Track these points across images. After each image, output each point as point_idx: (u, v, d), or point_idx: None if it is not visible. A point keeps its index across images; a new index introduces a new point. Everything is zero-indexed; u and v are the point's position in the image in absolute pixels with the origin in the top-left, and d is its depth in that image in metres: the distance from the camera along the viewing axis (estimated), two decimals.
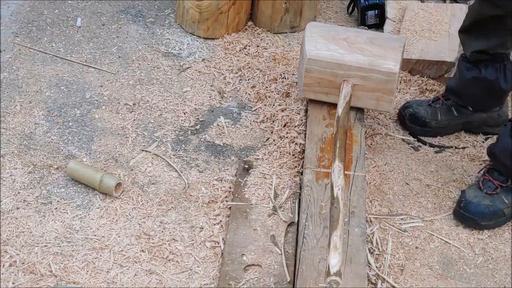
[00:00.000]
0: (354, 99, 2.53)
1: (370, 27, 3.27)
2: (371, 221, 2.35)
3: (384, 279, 2.17)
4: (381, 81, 2.50)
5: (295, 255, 2.16)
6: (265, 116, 2.74)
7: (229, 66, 2.98)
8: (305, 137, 2.58)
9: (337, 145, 2.26)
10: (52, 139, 2.56)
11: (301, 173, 2.47)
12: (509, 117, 2.73)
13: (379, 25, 3.26)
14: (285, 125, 2.69)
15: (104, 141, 2.57)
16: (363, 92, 2.53)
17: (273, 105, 2.79)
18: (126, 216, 2.30)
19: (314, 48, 2.55)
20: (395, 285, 2.16)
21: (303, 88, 2.62)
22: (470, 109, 2.68)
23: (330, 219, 2.04)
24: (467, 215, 2.36)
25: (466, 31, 2.57)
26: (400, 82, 2.95)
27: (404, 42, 2.61)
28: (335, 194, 2.07)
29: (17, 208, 2.29)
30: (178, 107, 2.76)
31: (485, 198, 2.37)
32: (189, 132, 2.66)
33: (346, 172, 2.38)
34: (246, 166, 2.50)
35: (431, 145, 2.70)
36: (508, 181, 2.39)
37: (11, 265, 2.11)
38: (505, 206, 2.37)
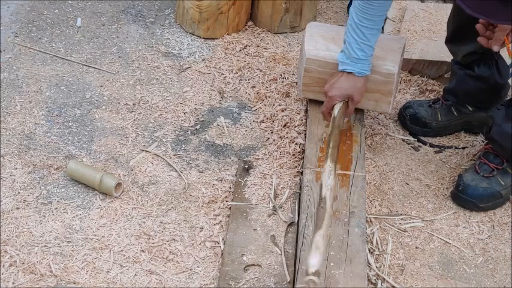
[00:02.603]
0: None
1: None
2: (371, 221, 2.35)
3: (384, 279, 2.17)
4: (379, 82, 2.49)
5: (295, 255, 2.16)
6: (265, 116, 2.74)
7: (229, 66, 2.98)
8: (305, 137, 2.58)
9: (331, 145, 2.27)
10: (52, 139, 2.56)
11: (301, 173, 2.47)
12: None
13: None
14: (285, 125, 2.69)
15: (104, 141, 2.57)
16: None
17: (273, 105, 2.79)
18: (126, 216, 2.30)
19: (313, 48, 2.55)
20: (396, 285, 2.16)
21: (302, 88, 2.62)
22: (470, 109, 2.69)
23: (316, 219, 2.05)
24: (465, 197, 2.42)
25: (451, 40, 2.61)
26: (400, 82, 2.95)
27: (405, 43, 2.61)
28: (323, 194, 2.08)
29: (17, 208, 2.29)
30: (178, 107, 2.76)
31: (483, 181, 2.42)
32: (189, 132, 2.66)
33: (346, 172, 2.38)
34: (246, 166, 2.51)
35: (431, 145, 2.70)
36: (503, 163, 2.44)
37: (11, 265, 2.11)
38: (502, 188, 2.43)
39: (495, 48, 2.23)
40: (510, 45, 2.24)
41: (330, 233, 2.14)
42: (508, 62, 2.51)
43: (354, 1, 2.30)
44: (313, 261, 1.93)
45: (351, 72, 2.39)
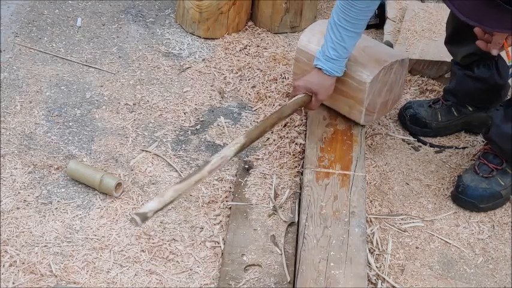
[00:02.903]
0: (331, 100, 2.54)
1: (370, 27, 3.27)
2: (371, 221, 2.35)
3: (384, 279, 2.17)
4: (353, 88, 2.47)
5: (295, 255, 2.16)
6: (266, 116, 2.74)
7: (230, 66, 2.98)
8: (305, 137, 2.58)
9: (258, 125, 2.28)
10: (52, 139, 2.56)
11: (301, 173, 2.47)
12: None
13: (379, 25, 3.26)
14: (285, 125, 2.69)
15: (104, 141, 2.57)
16: (338, 95, 2.52)
17: (273, 105, 2.79)
18: (126, 216, 2.30)
19: (306, 40, 2.57)
20: (396, 285, 2.16)
21: (293, 77, 2.65)
22: (470, 109, 2.68)
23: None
24: (465, 199, 2.42)
25: (450, 41, 2.61)
26: None
27: (400, 59, 2.52)
28: (211, 158, 2.08)
29: (17, 208, 2.29)
30: (179, 107, 2.76)
31: (482, 182, 2.42)
32: (189, 132, 2.66)
33: (346, 172, 2.39)
34: (246, 166, 2.51)
35: (431, 145, 2.70)
36: (502, 163, 2.44)
37: (11, 265, 2.11)
38: (502, 188, 2.43)
39: (494, 52, 2.22)
40: (509, 48, 2.24)
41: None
42: (508, 64, 2.51)
43: (337, 0, 2.29)
44: (150, 204, 1.92)
45: (321, 69, 2.39)
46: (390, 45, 3.04)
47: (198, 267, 2.16)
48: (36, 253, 2.15)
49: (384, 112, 2.64)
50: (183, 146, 2.60)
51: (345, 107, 2.56)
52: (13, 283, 2.06)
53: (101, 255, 2.16)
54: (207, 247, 2.23)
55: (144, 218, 1.88)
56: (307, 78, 2.42)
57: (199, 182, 2.06)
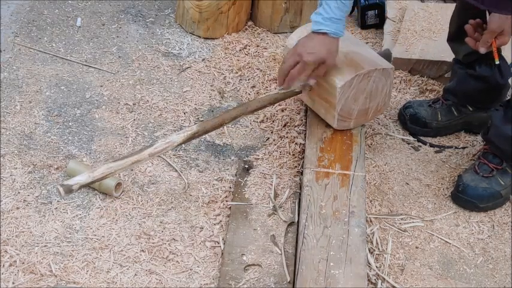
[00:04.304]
0: (310, 101, 2.55)
1: (370, 27, 3.27)
2: (371, 221, 2.35)
3: (384, 279, 2.17)
4: (327, 91, 2.46)
5: (295, 255, 2.16)
6: (265, 116, 2.74)
7: (229, 66, 2.98)
8: (305, 137, 2.58)
9: (219, 115, 2.28)
10: (52, 139, 2.56)
11: (301, 173, 2.47)
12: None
13: (379, 25, 3.26)
14: (285, 125, 2.69)
15: (104, 141, 2.57)
16: (317, 97, 2.52)
17: (273, 105, 2.78)
18: (126, 216, 2.30)
19: (295, 38, 2.55)
20: (396, 285, 2.16)
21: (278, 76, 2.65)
22: (471, 109, 2.68)
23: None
24: (466, 198, 2.41)
25: (453, 39, 2.61)
26: (400, 82, 2.95)
27: (381, 68, 2.46)
28: (156, 141, 2.09)
29: (17, 208, 2.29)
30: (178, 107, 2.76)
31: (482, 181, 2.42)
32: None
33: (346, 172, 2.38)
34: (246, 166, 2.51)
35: (431, 145, 2.70)
36: (503, 163, 2.44)
37: (11, 265, 2.11)
38: (502, 188, 2.43)
39: (482, 50, 2.23)
40: (497, 48, 2.25)
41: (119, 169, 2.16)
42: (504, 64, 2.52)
43: None
44: (77, 177, 1.96)
45: (325, 33, 2.29)
46: (389, 54, 2.97)
47: (198, 267, 2.16)
48: (36, 253, 2.15)
49: (364, 120, 2.58)
50: (183, 145, 2.59)
51: (321, 110, 2.55)
52: (13, 283, 2.06)
53: (100, 255, 2.16)
54: (207, 247, 2.23)
55: (69, 190, 1.91)
56: (313, 50, 2.31)
57: (137, 163, 2.06)
